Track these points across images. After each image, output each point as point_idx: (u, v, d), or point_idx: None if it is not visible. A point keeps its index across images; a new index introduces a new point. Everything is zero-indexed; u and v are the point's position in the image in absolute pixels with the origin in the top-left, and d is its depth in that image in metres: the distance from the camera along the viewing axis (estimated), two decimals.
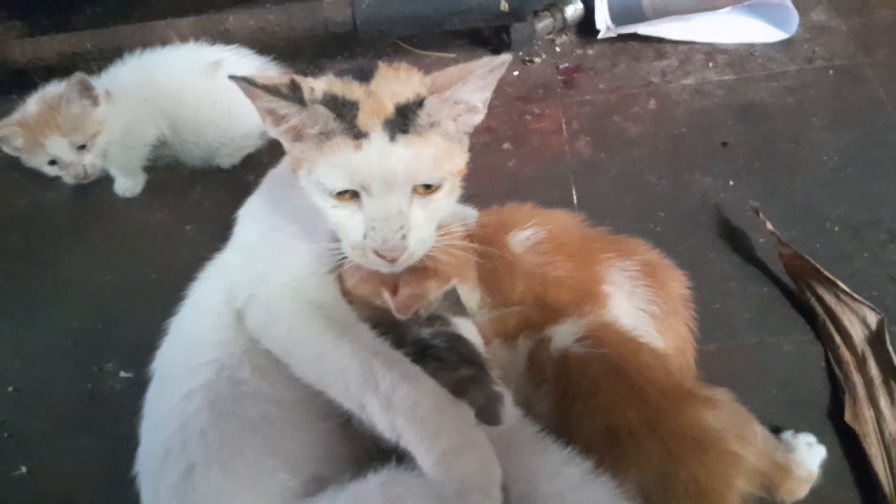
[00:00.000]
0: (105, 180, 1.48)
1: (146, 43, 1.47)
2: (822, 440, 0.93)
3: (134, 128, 1.42)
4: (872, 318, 1.00)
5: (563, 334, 0.86)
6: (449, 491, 0.66)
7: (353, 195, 0.80)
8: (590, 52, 1.55)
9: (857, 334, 1.01)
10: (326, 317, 0.83)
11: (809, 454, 0.90)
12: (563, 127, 1.40)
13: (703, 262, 1.15)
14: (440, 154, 0.81)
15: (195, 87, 1.41)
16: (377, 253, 0.80)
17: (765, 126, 1.32)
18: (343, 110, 0.77)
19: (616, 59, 1.52)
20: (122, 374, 1.15)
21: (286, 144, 0.83)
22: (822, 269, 1.03)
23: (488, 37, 1.57)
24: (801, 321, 1.06)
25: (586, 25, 1.57)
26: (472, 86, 0.80)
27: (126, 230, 1.44)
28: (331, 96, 0.78)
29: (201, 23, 1.48)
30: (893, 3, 1.49)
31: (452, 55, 1.60)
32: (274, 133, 0.82)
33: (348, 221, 0.81)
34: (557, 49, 1.57)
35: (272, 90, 0.77)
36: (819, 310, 1.05)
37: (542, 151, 1.37)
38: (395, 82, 0.80)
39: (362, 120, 0.77)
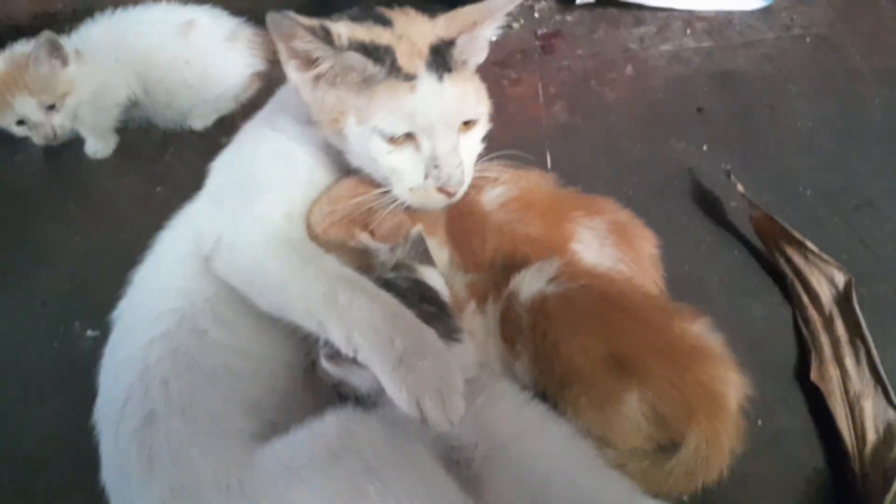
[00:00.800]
0: (76, 142, 1.45)
1: (118, 2, 1.44)
2: (789, 400, 0.95)
3: (105, 88, 1.39)
4: (840, 279, 1.01)
5: (531, 281, 0.85)
6: (407, 405, 0.66)
7: (407, 137, 0.83)
8: (568, 18, 1.53)
9: (825, 294, 1.01)
10: (294, 248, 0.83)
11: None
12: (540, 92, 1.39)
13: (675, 226, 1.15)
14: (477, 90, 0.88)
15: (168, 47, 1.38)
16: (441, 190, 0.85)
17: (741, 93, 1.32)
18: (378, 55, 0.79)
19: (594, 25, 1.51)
20: (90, 332, 1.14)
21: (308, 90, 0.84)
22: (791, 231, 1.04)
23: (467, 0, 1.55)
24: (772, 284, 1.07)
25: None
26: (496, 22, 0.88)
27: (97, 192, 1.42)
28: (358, 43, 0.79)
29: None
30: None
31: None
32: (298, 78, 0.83)
33: (407, 165, 0.84)
34: (536, 15, 1.56)
35: (312, 30, 0.78)
36: (788, 271, 1.05)
37: (518, 116, 1.36)
38: (415, 25, 0.83)
39: (404, 63, 0.80)
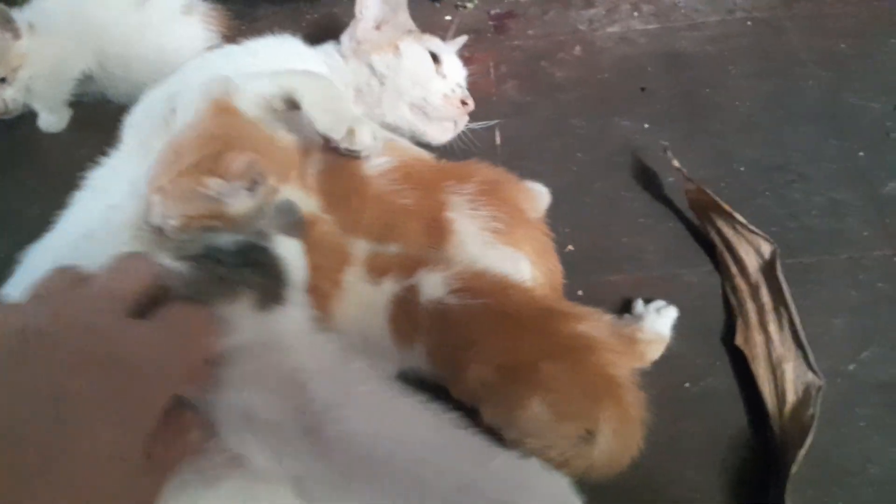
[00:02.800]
0: (30, 115, 1.45)
1: None
2: (716, 363, 1.00)
3: (59, 61, 1.39)
4: (766, 249, 1.05)
5: (434, 284, 0.87)
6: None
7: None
8: None
9: (752, 264, 1.06)
10: None
11: (658, 317, 0.99)
12: (492, 70, 1.43)
13: (617, 201, 1.19)
14: None
15: (123, 20, 1.39)
16: (464, 102, 1.21)
17: (684, 74, 1.36)
18: None
19: (547, 6, 1.54)
20: None
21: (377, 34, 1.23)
22: (721, 203, 1.08)
23: None
24: (703, 254, 1.11)
25: None
26: None
27: (53, 165, 1.42)
28: None
29: None
30: None
31: None
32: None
33: (442, 82, 1.21)
34: None
35: None
36: (718, 241, 1.10)
37: (471, 93, 1.37)
38: None
39: None
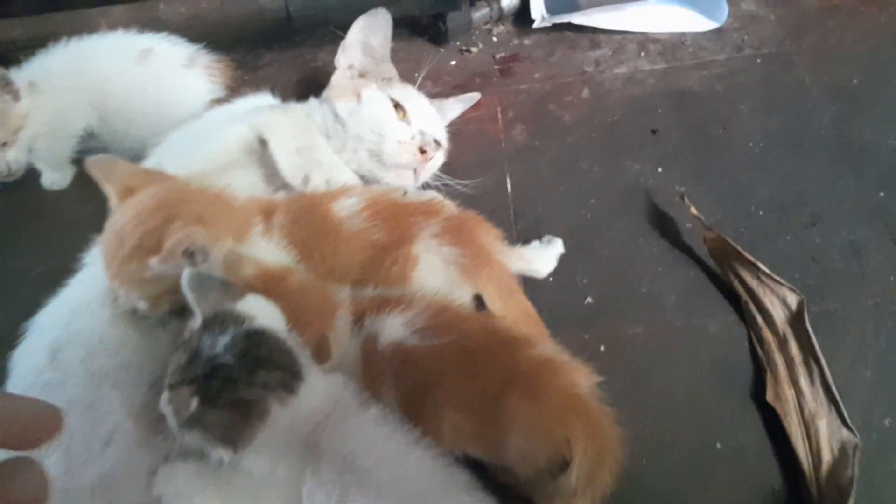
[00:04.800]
0: (32, 173, 1.43)
1: (75, 31, 1.42)
2: (746, 420, 0.96)
3: (61, 119, 1.37)
4: (793, 299, 1.03)
5: (392, 327, 0.86)
6: None
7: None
8: (526, 41, 1.55)
9: (779, 315, 1.03)
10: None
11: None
12: (499, 115, 1.40)
13: (632, 247, 1.16)
14: None
15: (125, 75, 1.37)
16: (421, 150, 1.17)
17: (694, 113, 1.34)
18: None
19: (552, 48, 1.52)
20: None
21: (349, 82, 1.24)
22: (743, 252, 1.06)
23: (426, 26, 1.57)
24: (726, 303, 1.08)
25: (523, 15, 1.58)
26: None
27: (56, 223, 1.39)
28: None
29: (132, 11, 1.44)
30: None
31: (391, 44, 1.58)
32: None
33: (403, 128, 1.18)
34: (494, 39, 1.57)
35: None
36: (742, 292, 1.07)
37: (478, 139, 1.37)
38: None
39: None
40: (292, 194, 1.05)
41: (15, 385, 0.90)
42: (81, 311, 0.94)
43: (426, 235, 1.01)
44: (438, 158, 1.23)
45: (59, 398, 0.83)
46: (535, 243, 1.15)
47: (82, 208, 1.39)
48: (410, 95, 1.24)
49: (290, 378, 0.71)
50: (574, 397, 0.82)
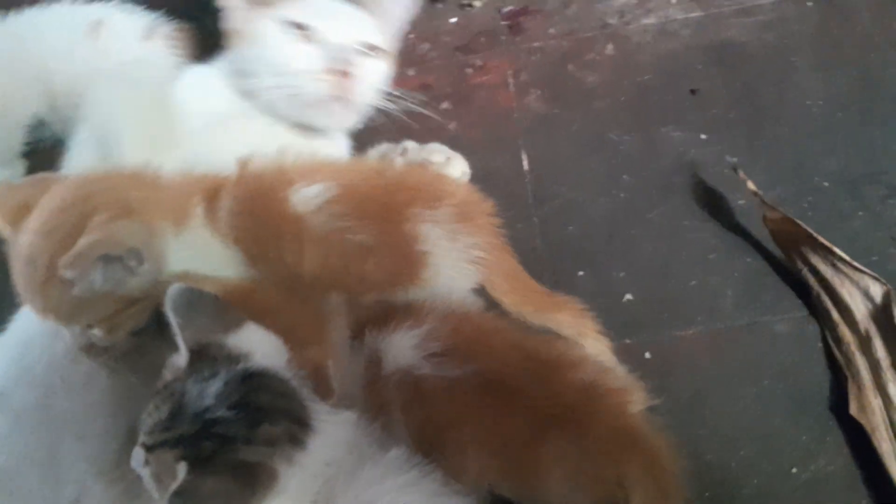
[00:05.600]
0: None
1: (13, 3, 1.25)
2: (826, 438, 0.82)
3: (4, 108, 1.21)
4: (877, 290, 0.86)
5: (400, 348, 0.72)
6: None
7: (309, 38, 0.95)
8: None
9: (859, 309, 0.86)
10: None
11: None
12: (511, 80, 1.23)
13: (677, 232, 1.00)
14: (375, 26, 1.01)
15: (75, 53, 1.21)
16: (331, 71, 0.93)
17: (740, 69, 1.16)
18: None
19: None
20: None
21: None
22: (815, 235, 0.89)
23: None
24: (794, 296, 0.93)
25: None
26: None
27: None
28: None
29: None
30: None
31: None
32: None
33: (310, 53, 0.95)
34: None
35: None
36: (813, 282, 0.90)
37: (487, 109, 1.20)
38: None
39: None
40: (239, 171, 0.80)
41: None
42: (32, 346, 0.77)
43: (435, 231, 0.80)
44: (372, 74, 1.00)
45: (6, 453, 0.70)
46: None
47: None
48: (313, 6, 0.99)
49: (297, 429, 0.58)
50: (626, 429, 0.71)
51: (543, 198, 1.06)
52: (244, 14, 1.00)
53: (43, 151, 1.28)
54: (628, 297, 0.95)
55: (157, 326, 0.71)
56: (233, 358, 0.58)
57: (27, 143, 1.26)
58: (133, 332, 0.72)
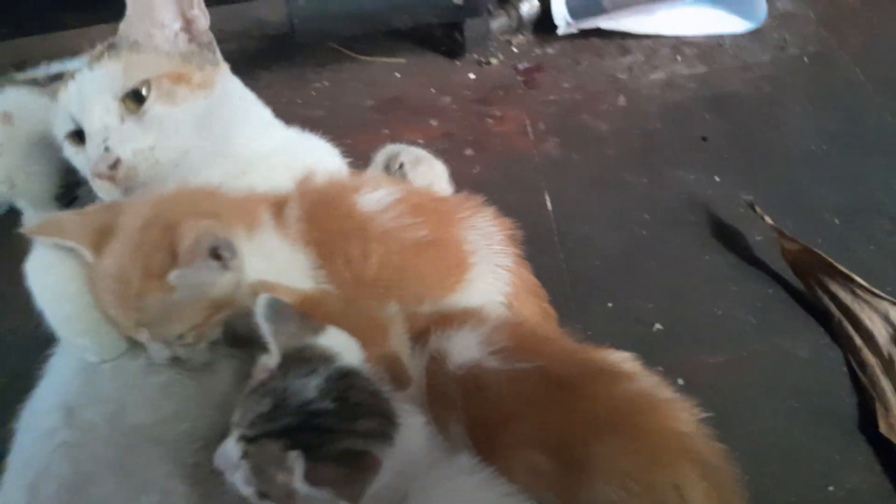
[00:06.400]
0: (8, 216, 1.28)
1: (53, 55, 1.29)
2: (858, 457, 0.84)
3: (39, 154, 1.23)
4: None
5: (465, 346, 0.73)
6: None
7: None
8: (549, 51, 1.44)
9: (881, 334, 0.90)
10: None
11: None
12: (529, 128, 1.29)
13: (698, 265, 1.04)
14: (140, 63, 0.89)
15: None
16: (96, 175, 0.84)
17: (744, 117, 1.24)
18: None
19: (578, 56, 1.41)
20: None
21: None
22: (834, 263, 0.93)
23: (440, 38, 1.45)
24: (814, 323, 0.96)
25: (543, 24, 1.47)
26: None
27: None
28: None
29: (116, 30, 1.30)
30: None
31: (402, 60, 1.46)
32: None
33: (82, 160, 0.89)
34: (514, 49, 1.46)
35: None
36: (833, 309, 0.94)
37: (508, 155, 1.25)
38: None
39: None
40: (299, 186, 0.84)
41: (21, 450, 0.75)
42: (99, 369, 0.78)
43: (476, 234, 0.85)
44: (141, 147, 0.86)
45: (81, 462, 0.70)
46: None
47: None
48: (64, 99, 0.90)
49: (386, 424, 0.59)
50: (680, 436, 0.70)
51: (567, 234, 1.10)
52: None
53: (73, 193, 1.30)
54: (658, 326, 0.97)
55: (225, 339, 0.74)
56: (326, 357, 0.60)
57: (61, 186, 1.28)
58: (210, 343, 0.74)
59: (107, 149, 0.84)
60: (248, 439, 0.56)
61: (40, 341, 1.03)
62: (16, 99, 1.25)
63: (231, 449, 0.56)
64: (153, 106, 0.87)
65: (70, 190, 1.29)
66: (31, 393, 0.83)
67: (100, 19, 1.42)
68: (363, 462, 0.55)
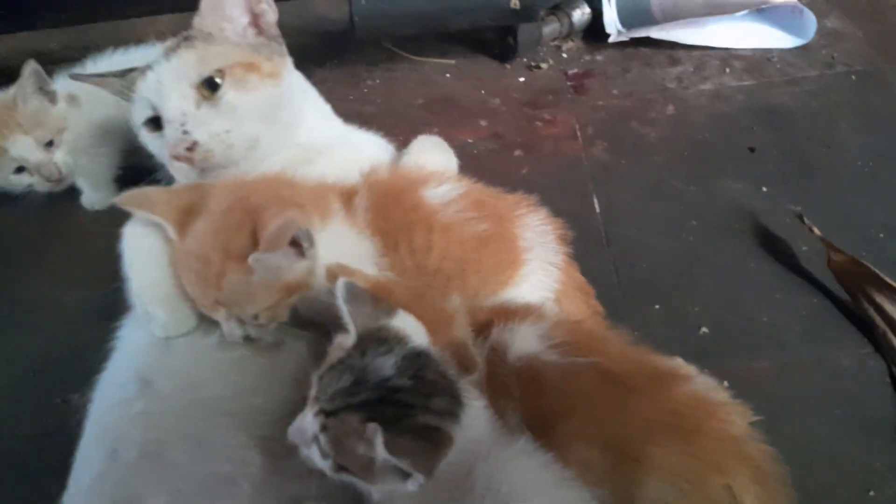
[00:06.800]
0: (65, 194, 1.32)
1: (119, 42, 1.33)
2: None
3: (101, 135, 1.28)
4: None
5: (524, 338, 0.75)
6: None
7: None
8: (598, 57, 1.47)
9: None
10: None
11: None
12: (578, 133, 1.32)
13: (744, 273, 1.06)
14: (217, 54, 0.93)
15: None
16: (173, 157, 0.90)
17: (792, 130, 1.26)
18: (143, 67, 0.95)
19: (627, 64, 1.44)
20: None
21: None
22: (882, 276, 0.95)
23: (491, 41, 1.49)
24: (858, 334, 0.98)
25: (593, 31, 1.50)
26: None
27: (93, 247, 1.25)
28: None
29: (181, 19, 1.34)
30: None
31: (452, 61, 1.50)
32: None
33: (159, 144, 0.94)
34: (564, 55, 1.49)
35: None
36: (879, 320, 0.96)
37: (556, 158, 1.28)
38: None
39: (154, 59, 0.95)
40: (367, 178, 0.89)
41: (98, 418, 0.80)
42: (174, 343, 0.82)
43: (530, 233, 0.89)
44: (216, 131, 0.91)
45: (158, 430, 0.73)
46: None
47: (119, 232, 1.28)
48: (143, 88, 0.94)
49: (455, 404, 0.61)
50: (733, 439, 0.72)
51: (615, 237, 1.13)
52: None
53: (131, 177, 1.34)
54: (704, 329, 1.00)
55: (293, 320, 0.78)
56: (400, 338, 0.63)
57: (121, 168, 1.32)
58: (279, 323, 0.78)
59: (185, 132, 0.89)
60: (327, 413, 0.59)
61: (104, 314, 1.08)
62: (82, 84, 1.29)
63: (309, 423, 0.59)
64: (227, 92, 0.92)
65: (128, 173, 1.34)
66: (105, 364, 0.88)
67: (160, 10, 1.47)
68: (438, 437, 0.58)
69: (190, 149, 0.89)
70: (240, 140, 0.92)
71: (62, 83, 1.28)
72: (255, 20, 1.00)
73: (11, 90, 1.22)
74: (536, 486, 0.63)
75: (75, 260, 1.26)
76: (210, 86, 0.91)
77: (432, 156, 1.06)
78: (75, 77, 1.12)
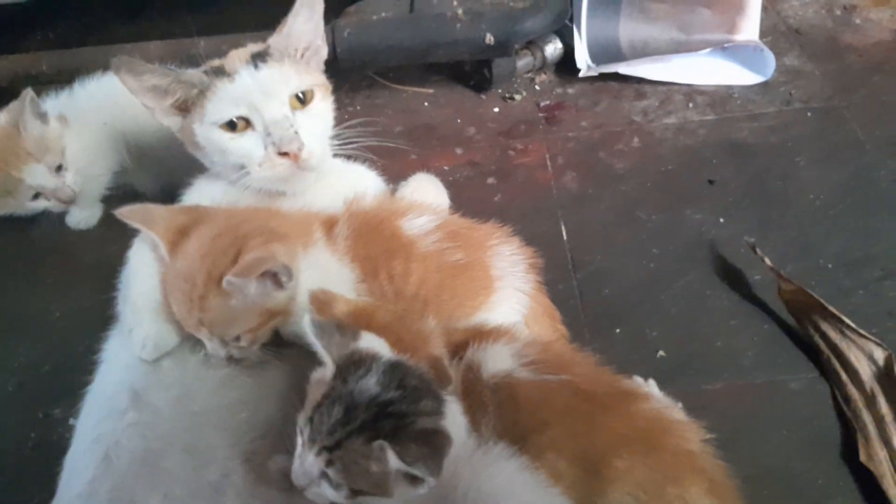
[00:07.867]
0: (51, 212, 1.35)
1: (108, 66, 1.37)
2: (840, 483, 0.91)
3: (91, 155, 1.31)
4: (880, 354, 0.98)
5: (498, 357, 0.80)
6: None
7: (244, 124, 0.97)
8: (570, 90, 1.53)
9: (865, 371, 0.98)
10: None
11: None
12: (548, 162, 1.37)
13: (702, 300, 1.12)
14: (298, 70, 1.01)
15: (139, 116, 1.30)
16: (281, 154, 0.95)
17: (751, 164, 1.32)
18: (210, 70, 1.00)
19: (597, 97, 1.51)
20: (73, 420, 1.01)
21: (174, 120, 1.04)
22: (826, 305, 1.01)
23: (469, 72, 1.55)
24: (805, 359, 1.03)
25: (565, 65, 1.57)
26: (302, 17, 1.04)
27: (79, 264, 1.32)
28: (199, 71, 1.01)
29: (170, 46, 1.40)
30: (861, 51, 1.54)
31: (430, 90, 1.56)
32: (159, 113, 1.03)
33: (248, 143, 0.97)
34: (537, 87, 1.55)
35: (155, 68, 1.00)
36: (823, 346, 1.02)
37: (528, 186, 1.33)
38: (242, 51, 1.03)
39: (228, 67, 1.00)
40: (349, 208, 0.95)
41: (88, 428, 0.83)
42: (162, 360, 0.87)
43: (503, 262, 0.96)
44: (315, 122, 1.02)
45: (149, 439, 0.78)
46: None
47: (106, 248, 1.31)
48: (230, 93, 0.97)
49: (439, 402, 0.67)
50: (688, 454, 0.77)
51: (581, 263, 1.18)
52: (174, 121, 1.04)
53: (116, 197, 1.38)
54: (661, 353, 1.05)
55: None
56: (372, 355, 0.68)
57: (108, 188, 1.36)
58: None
59: (296, 132, 0.96)
60: (330, 448, 0.63)
61: (83, 328, 1.11)
62: (73, 103, 1.33)
63: (311, 464, 0.63)
64: (317, 105, 1.03)
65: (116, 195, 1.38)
66: (91, 378, 0.92)
67: (146, 36, 1.52)
68: (439, 439, 0.62)
69: (299, 148, 0.96)
70: (323, 148, 1.03)
71: (52, 104, 1.33)
72: (312, 54, 1.10)
73: (2, 116, 1.24)
74: (515, 487, 0.68)
75: (61, 276, 1.29)
76: (299, 98, 1.01)
77: (428, 192, 1.13)
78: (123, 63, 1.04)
